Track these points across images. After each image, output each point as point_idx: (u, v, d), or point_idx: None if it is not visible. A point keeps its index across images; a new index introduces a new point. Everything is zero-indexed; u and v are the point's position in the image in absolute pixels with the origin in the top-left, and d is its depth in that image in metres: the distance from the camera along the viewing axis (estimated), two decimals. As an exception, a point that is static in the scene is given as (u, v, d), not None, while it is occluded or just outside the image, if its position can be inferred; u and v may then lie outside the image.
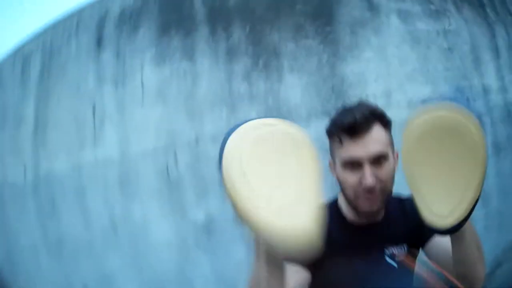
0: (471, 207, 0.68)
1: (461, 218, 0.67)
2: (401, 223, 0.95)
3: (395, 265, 0.92)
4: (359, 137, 0.80)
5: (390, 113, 2.42)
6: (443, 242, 0.90)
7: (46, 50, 3.26)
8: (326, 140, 2.26)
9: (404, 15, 2.63)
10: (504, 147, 2.84)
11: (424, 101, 2.37)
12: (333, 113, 2.28)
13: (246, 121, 0.66)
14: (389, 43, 2.54)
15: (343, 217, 0.94)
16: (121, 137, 2.61)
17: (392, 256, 0.93)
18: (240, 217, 0.55)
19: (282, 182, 0.57)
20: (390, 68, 2.51)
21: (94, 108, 2.77)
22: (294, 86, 2.40)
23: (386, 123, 0.87)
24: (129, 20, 2.79)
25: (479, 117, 0.80)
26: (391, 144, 0.87)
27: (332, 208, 0.96)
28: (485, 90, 2.82)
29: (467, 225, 0.74)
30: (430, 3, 2.75)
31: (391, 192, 0.88)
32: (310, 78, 2.41)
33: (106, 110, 2.72)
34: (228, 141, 0.60)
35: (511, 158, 2.87)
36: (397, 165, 0.87)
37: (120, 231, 2.61)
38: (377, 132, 0.82)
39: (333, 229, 0.85)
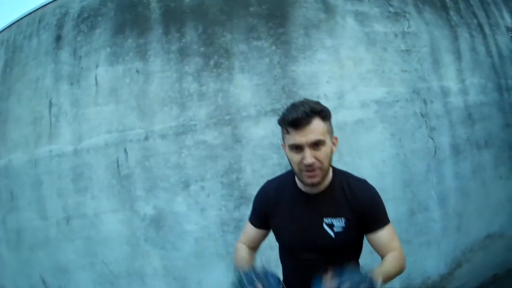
0: None
1: None
2: (341, 199, 1.16)
3: (332, 234, 1.15)
4: (300, 128, 1.04)
5: (343, 114, 2.42)
6: (382, 238, 1.18)
7: (9, 46, 3.25)
8: (273, 139, 2.25)
9: (361, 17, 2.62)
10: (463, 149, 2.83)
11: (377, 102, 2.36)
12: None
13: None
14: (343, 44, 2.53)
15: (295, 184, 1.21)
16: (75, 132, 2.60)
17: (330, 226, 1.15)
18: None
19: None
20: (343, 70, 2.50)
21: (50, 104, 2.76)
22: (244, 86, 2.38)
23: (324, 116, 1.09)
24: (87, 20, 2.77)
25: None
26: (329, 132, 1.10)
27: (289, 177, 1.25)
28: (444, 92, 2.81)
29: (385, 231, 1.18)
30: (389, 5, 2.74)
31: (328, 169, 1.12)
32: (261, 79, 2.39)
33: (62, 107, 2.70)
34: None
35: (470, 159, 2.86)
36: (335, 148, 1.14)
37: (74, 223, 2.60)
38: (315, 124, 1.05)
39: (287, 192, 1.22)
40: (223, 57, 2.41)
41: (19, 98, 3.00)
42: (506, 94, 3.28)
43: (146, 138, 2.43)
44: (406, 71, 2.66)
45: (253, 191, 2.22)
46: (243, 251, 1.31)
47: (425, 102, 2.70)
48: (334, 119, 2.36)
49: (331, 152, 1.11)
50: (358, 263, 1.25)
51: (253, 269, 1.09)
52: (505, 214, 3.07)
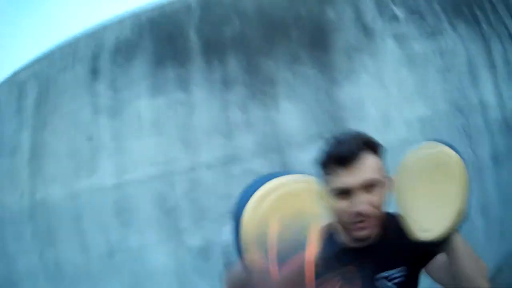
0: (454, 220, 0.78)
1: (445, 230, 0.77)
2: (398, 243, 0.92)
3: (391, 286, 0.92)
4: (350, 167, 0.83)
5: (389, 135, 2.41)
6: (442, 259, 0.93)
7: (42, 78, 3.26)
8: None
9: (399, 38, 2.62)
10: (503, 159, 2.83)
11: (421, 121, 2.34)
12: (329, 137, 2.26)
13: (260, 180, 0.69)
14: (385, 66, 2.53)
15: (338, 241, 0.95)
16: (116, 166, 2.60)
17: (387, 278, 0.92)
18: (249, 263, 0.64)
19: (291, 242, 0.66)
20: (387, 92, 2.49)
21: (89, 138, 2.76)
22: (291, 113, 2.38)
23: (377, 150, 0.89)
24: (124, 52, 2.78)
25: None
26: (382, 169, 0.89)
27: (329, 232, 0.95)
28: (483, 106, 2.80)
29: (457, 240, 0.82)
30: (425, 24, 2.74)
31: (382, 216, 0.89)
32: (306, 105, 2.39)
33: (102, 140, 2.70)
34: (248, 207, 0.64)
35: (510, 168, 2.85)
36: (389, 189, 0.89)
37: (117, 257, 2.59)
38: (368, 160, 0.84)
39: (329, 252, 0.90)
40: (267, 85, 2.41)
41: (55, 132, 3.00)
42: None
43: (192, 169, 2.42)
44: (447, 89, 2.66)
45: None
46: None
47: (466, 117, 2.69)
48: (380, 139, 2.37)
49: (385, 195, 0.89)
50: None
51: None
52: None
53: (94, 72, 2.90)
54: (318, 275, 0.79)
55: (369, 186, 0.83)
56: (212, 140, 2.41)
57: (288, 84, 2.41)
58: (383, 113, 2.47)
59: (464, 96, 2.73)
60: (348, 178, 0.83)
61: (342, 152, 0.83)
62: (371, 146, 0.86)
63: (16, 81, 3.57)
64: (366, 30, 2.54)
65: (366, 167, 0.83)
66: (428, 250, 0.90)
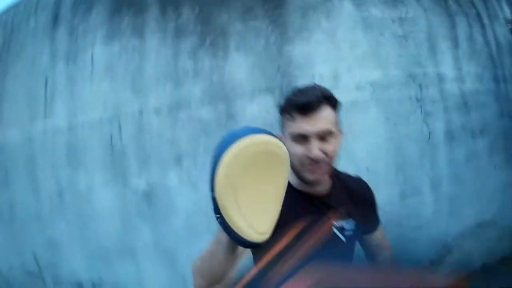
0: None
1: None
2: (346, 198, 1.01)
3: (343, 238, 0.97)
4: (309, 115, 0.88)
5: (338, 95, 2.42)
6: (379, 237, 1.10)
7: (7, 28, 3.25)
8: (267, 117, 2.26)
9: (358, 1, 2.62)
10: (458, 136, 2.83)
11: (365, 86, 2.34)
12: (277, 91, 2.28)
13: (234, 133, 0.69)
14: (340, 27, 2.53)
15: (292, 187, 0.98)
16: (69, 109, 2.61)
17: (341, 230, 0.97)
18: (223, 215, 0.66)
19: (259, 201, 0.69)
20: (339, 51, 2.50)
21: (46, 82, 2.76)
22: (240, 65, 2.38)
23: (334, 104, 0.94)
24: (84, 0, 2.78)
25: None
26: (337, 123, 0.95)
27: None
28: (440, 79, 2.81)
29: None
30: (386, -10, 2.74)
31: (332, 165, 0.95)
32: (256, 58, 2.40)
33: (57, 85, 2.71)
34: (222, 161, 0.65)
35: (464, 146, 2.86)
36: (340, 144, 0.96)
37: (66, 199, 2.61)
38: (325, 111, 0.90)
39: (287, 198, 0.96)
40: (219, 36, 2.41)
41: (16, 78, 3.00)
42: (502, 84, 3.28)
43: (140, 113, 2.43)
44: (402, 56, 2.66)
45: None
46: None
47: (420, 87, 2.70)
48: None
49: (338, 146, 0.94)
50: None
51: None
52: (498, 203, 3.06)
53: (55, 20, 2.89)
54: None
55: (324, 135, 0.89)
56: (161, 86, 2.42)
57: (239, 36, 2.41)
58: (334, 73, 2.47)
59: (420, 65, 2.74)
60: (306, 125, 0.88)
61: (303, 101, 0.88)
62: (330, 100, 0.92)
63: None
64: (324, -11, 2.54)
65: (323, 117, 0.89)
66: (365, 215, 1.02)
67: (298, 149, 0.90)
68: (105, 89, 2.53)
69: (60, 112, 2.66)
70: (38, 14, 3.05)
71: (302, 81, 2.41)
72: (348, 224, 0.99)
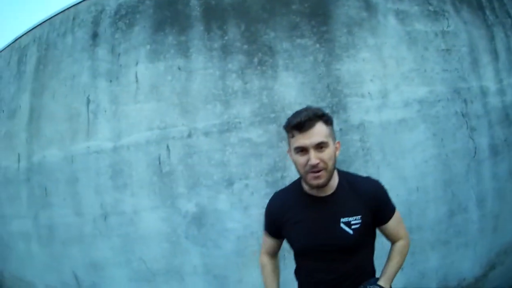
0: None
1: None
2: (351, 197, 1.23)
3: (350, 231, 1.20)
4: (304, 131, 1.12)
5: (387, 113, 2.41)
6: (393, 226, 1.32)
7: (42, 43, 3.25)
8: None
9: (401, 16, 2.61)
10: (501, 150, 2.82)
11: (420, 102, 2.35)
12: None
13: None
14: (385, 43, 2.52)
15: (303, 190, 1.27)
16: (114, 129, 2.60)
17: (347, 224, 1.20)
18: None
19: None
20: (386, 68, 2.48)
21: (88, 101, 2.76)
22: (289, 84, 2.37)
23: (326, 120, 1.17)
24: (125, 17, 2.77)
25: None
26: (332, 136, 1.18)
27: (296, 185, 1.31)
28: (483, 93, 2.80)
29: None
30: (428, 4, 2.73)
31: (332, 170, 1.18)
32: (305, 76, 2.39)
33: (100, 104, 2.70)
34: None
35: (508, 161, 2.85)
36: (338, 152, 1.21)
37: (111, 221, 2.60)
38: (318, 127, 1.13)
39: (296, 199, 1.27)
40: (266, 54, 2.40)
41: (54, 95, 3.00)
42: (541, 94, 3.26)
43: (189, 135, 2.42)
44: (447, 70, 2.65)
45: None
46: (268, 269, 1.44)
47: (465, 102, 2.68)
48: (378, 118, 2.35)
49: (335, 154, 1.18)
50: (372, 258, 1.36)
51: None
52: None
53: (94, 37, 2.88)
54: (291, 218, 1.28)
55: (319, 146, 1.12)
56: (210, 107, 2.41)
57: (287, 55, 2.40)
58: (382, 90, 2.46)
59: (463, 79, 2.72)
60: (303, 139, 1.12)
61: (299, 121, 1.12)
62: (322, 117, 1.15)
63: (17, 47, 3.55)
64: (368, 5, 2.52)
65: (316, 132, 1.12)
66: (375, 210, 1.24)
67: (301, 159, 1.14)
68: (151, 109, 2.52)
69: (104, 132, 2.65)
70: (75, 30, 3.04)
71: (352, 100, 2.40)
72: (354, 219, 1.20)
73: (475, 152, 2.65)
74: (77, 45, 2.97)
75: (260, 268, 1.48)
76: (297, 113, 1.16)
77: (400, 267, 1.32)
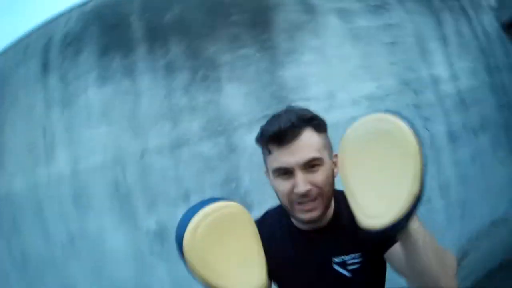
0: (409, 205, 0.62)
1: (398, 216, 0.61)
2: (349, 229, 0.83)
3: (347, 274, 0.86)
4: (286, 145, 0.76)
5: (335, 114, 2.43)
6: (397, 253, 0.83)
7: (-2, 76, 3.26)
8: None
9: (342, 14, 2.62)
10: (459, 136, 2.84)
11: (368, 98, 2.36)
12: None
13: (196, 206, 0.76)
14: (328, 43, 2.54)
15: (289, 220, 0.90)
16: (70, 155, 2.63)
17: (343, 265, 0.86)
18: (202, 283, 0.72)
19: (234, 259, 0.74)
20: (331, 69, 2.50)
21: (44, 130, 2.78)
22: (234, 96, 2.39)
23: (318, 126, 0.81)
24: (72, 44, 2.78)
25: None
26: (327, 147, 0.82)
27: (282, 211, 0.90)
28: (435, 80, 2.81)
29: (416, 228, 0.68)
30: (369, -1, 2.74)
31: (330, 197, 0.83)
32: (250, 87, 2.40)
33: (55, 132, 2.72)
34: (187, 230, 0.71)
35: (468, 146, 2.87)
36: (337, 170, 0.83)
37: (78, 243, 2.63)
38: (306, 137, 0.77)
39: (282, 231, 0.91)
40: (209, 68, 2.41)
41: (13, 127, 3.02)
42: (496, 74, 3.28)
43: (142, 155, 2.44)
44: (393, 63, 2.66)
45: (254, 197, 2.25)
46: None
47: (416, 92, 2.70)
48: (327, 119, 2.38)
49: (333, 173, 0.83)
50: None
51: None
52: (508, 198, 3.07)
53: (45, 66, 2.90)
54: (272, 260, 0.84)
55: (310, 166, 0.77)
56: (159, 126, 2.43)
57: (230, 67, 2.41)
58: (328, 91, 2.48)
59: (412, 70, 2.74)
60: (287, 157, 0.76)
61: (278, 129, 0.76)
62: (311, 122, 0.80)
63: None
64: (308, 8, 2.53)
65: (303, 145, 0.76)
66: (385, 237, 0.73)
67: (283, 185, 0.78)
68: (103, 132, 2.54)
69: (61, 159, 2.68)
70: (27, 61, 3.05)
71: (298, 105, 2.41)
72: (351, 258, 0.86)
73: (432, 142, 2.67)
74: (30, 76, 2.99)
75: None
76: (275, 118, 0.82)
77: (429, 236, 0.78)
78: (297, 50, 2.46)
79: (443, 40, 2.97)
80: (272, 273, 0.87)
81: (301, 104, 2.39)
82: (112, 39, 2.62)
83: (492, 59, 3.31)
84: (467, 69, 3.04)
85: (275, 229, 0.93)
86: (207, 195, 2.36)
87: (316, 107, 2.39)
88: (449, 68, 2.94)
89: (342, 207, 0.85)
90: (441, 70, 2.88)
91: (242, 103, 2.38)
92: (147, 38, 2.53)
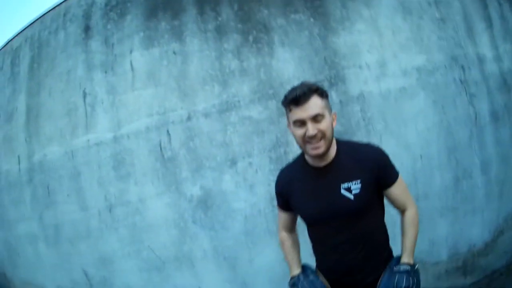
0: None
1: None
2: (350, 163, 1.25)
3: (351, 197, 1.23)
4: (301, 106, 1.16)
5: (386, 82, 2.40)
6: (398, 192, 1.32)
7: (34, 42, 3.22)
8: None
9: (394, -14, 2.60)
10: (502, 116, 2.81)
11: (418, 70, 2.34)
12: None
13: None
14: (380, 14, 2.51)
15: (305, 162, 1.31)
16: (113, 120, 2.58)
17: (348, 190, 1.23)
18: None
19: None
20: (382, 39, 2.48)
21: (84, 94, 2.73)
22: (286, 60, 2.36)
23: (321, 94, 1.20)
24: (116, 7, 2.75)
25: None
26: (327, 107, 1.22)
27: (299, 158, 1.36)
28: (480, 59, 2.79)
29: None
30: (420, -26, 2.72)
31: (331, 140, 1.22)
32: (302, 51, 2.37)
33: (97, 96, 2.67)
34: None
35: (509, 126, 2.84)
36: (335, 123, 1.24)
37: (117, 212, 2.57)
38: (314, 100, 1.17)
39: (299, 171, 1.32)
40: (261, 32, 2.39)
41: (50, 92, 2.97)
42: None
43: (189, 118, 2.40)
44: (442, 38, 2.64)
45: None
46: (287, 244, 1.46)
47: (463, 68, 2.67)
48: (378, 87, 2.34)
49: (332, 125, 1.22)
50: (383, 224, 1.36)
51: (301, 276, 1.32)
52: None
53: (87, 30, 2.86)
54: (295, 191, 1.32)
55: (316, 118, 1.16)
56: (208, 88, 2.40)
57: (282, 31, 2.39)
58: (380, 61, 2.45)
59: (460, 47, 2.72)
60: (301, 112, 1.16)
61: (296, 96, 1.16)
62: (317, 91, 1.19)
63: (9, 50, 3.52)
64: (361, -22, 2.51)
65: (312, 105, 1.16)
66: (377, 173, 1.24)
67: (299, 131, 1.18)
68: (149, 95, 2.50)
69: (103, 124, 2.63)
70: (67, 26, 3.02)
71: (350, 71, 2.39)
72: (354, 184, 1.23)
73: (476, 118, 2.65)
74: (70, 40, 2.95)
75: (280, 245, 1.50)
76: (293, 89, 1.21)
77: (416, 237, 1.30)
78: (349, 18, 2.44)
79: (489, 22, 2.96)
80: (296, 204, 1.33)
81: (354, 71, 2.38)
82: (160, 0, 2.59)
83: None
84: (510, 51, 3.02)
85: (295, 171, 1.34)
86: (255, 161, 2.33)
87: (367, 75, 2.38)
88: (494, 49, 2.92)
89: (343, 150, 1.28)
90: (486, 50, 2.86)
91: (294, 67, 2.36)
92: (197, 0, 2.50)
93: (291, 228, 1.47)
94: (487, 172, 2.67)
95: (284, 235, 1.47)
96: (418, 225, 1.32)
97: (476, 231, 2.67)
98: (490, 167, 2.69)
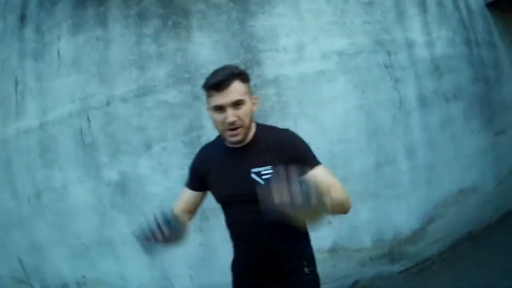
0: None
1: None
2: (264, 148, 1.23)
3: (261, 181, 1.19)
4: (221, 90, 1.13)
5: (303, 66, 2.41)
6: (318, 177, 1.18)
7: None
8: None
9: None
10: (430, 101, 2.82)
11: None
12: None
13: None
14: (302, -2, 2.52)
15: (223, 144, 1.27)
16: (40, 107, 2.61)
17: (258, 174, 1.20)
18: None
19: None
20: (303, 22, 2.49)
21: (16, 82, 2.76)
22: (203, 44, 2.38)
23: (243, 78, 1.18)
24: (49, -5, 2.77)
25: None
26: (249, 92, 1.19)
27: (218, 138, 1.31)
28: (409, 44, 2.80)
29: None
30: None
31: (249, 126, 1.20)
32: (220, 35, 2.40)
33: (27, 84, 2.71)
34: None
35: (438, 111, 2.85)
36: (255, 107, 1.22)
37: (44, 199, 2.60)
38: (235, 85, 1.14)
39: (216, 152, 1.31)
40: (180, 16, 2.41)
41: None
42: (475, 48, 3.27)
43: (108, 103, 2.43)
44: (368, 22, 2.65)
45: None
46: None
47: (389, 53, 2.69)
48: (294, 71, 2.35)
49: (251, 110, 1.20)
50: None
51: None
52: (478, 169, 3.04)
53: (22, 19, 2.89)
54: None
55: (236, 104, 1.14)
56: (126, 73, 2.42)
57: (201, 15, 2.41)
58: (298, 44, 2.47)
59: (387, 31, 2.73)
60: (221, 98, 1.13)
61: (216, 80, 1.13)
62: (239, 75, 1.16)
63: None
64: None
65: (233, 90, 1.13)
66: (290, 158, 1.15)
67: (219, 117, 1.15)
68: (72, 82, 2.53)
69: (31, 111, 2.66)
70: (6, 16, 3.04)
71: (266, 55, 2.41)
72: (265, 169, 1.20)
73: (401, 103, 2.66)
74: (7, 29, 2.98)
75: None
76: (215, 72, 1.17)
77: (336, 199, 1.09)
78: (270, 2, 2.46)
79: (423, 7, 2.96)
80: (211, 182, 1.31)
81: (270, 55, 2.40)
82: (87, -12, 2.61)
83: (472, 34, 3.30)
84: (445, 38, 3.03)
85: (213, 150, 1.33)
86: (169, 145, 2.35)
87: (284, 59, 2.39)
88: (426, 34, 2.93)
89: (260, 134, 1.25)
90: (417, 35, 2.87)
91: (210, 51, 2.38)
92: (120, -13, 2.52)
93: (189, 210, 1.39)
94: (412, 158, 2.68)
95: (178, 211, 1.34)
96: (345, 201, 1.20)
97: (401, 218, 2.67)
98: (416, 153, 2.70)
